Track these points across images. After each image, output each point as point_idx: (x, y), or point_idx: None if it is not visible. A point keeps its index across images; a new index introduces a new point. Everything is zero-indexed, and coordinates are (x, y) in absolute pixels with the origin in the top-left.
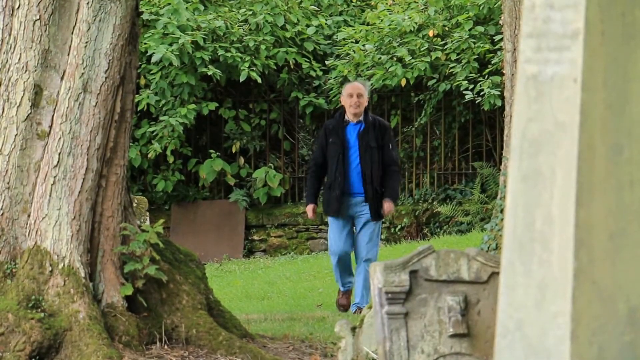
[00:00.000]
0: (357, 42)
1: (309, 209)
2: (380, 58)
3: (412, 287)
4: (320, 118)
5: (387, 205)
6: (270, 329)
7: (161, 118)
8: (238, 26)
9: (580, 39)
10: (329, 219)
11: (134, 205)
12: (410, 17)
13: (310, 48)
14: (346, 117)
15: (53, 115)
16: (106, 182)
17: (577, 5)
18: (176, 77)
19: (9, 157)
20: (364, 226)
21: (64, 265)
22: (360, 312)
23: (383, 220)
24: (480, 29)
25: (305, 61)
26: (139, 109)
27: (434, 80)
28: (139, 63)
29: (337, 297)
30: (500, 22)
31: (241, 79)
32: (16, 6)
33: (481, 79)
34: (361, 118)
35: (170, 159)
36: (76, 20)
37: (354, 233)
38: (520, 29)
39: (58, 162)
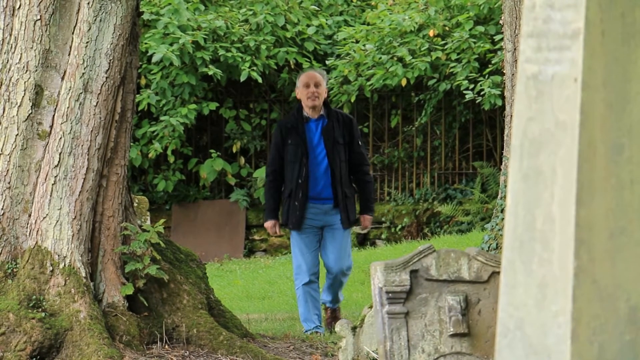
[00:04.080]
0: (357, 42)
1: (269, 225)
2: (380, 58)
3: (412, 287)
4: None
5: (367, 222)
6: (270, 329)
7: (162, 118)
8: (239, 26)
9: (580, 39)
10: (292, 233)
11: (135, 205)
12: (410, 17)
13: (310, 48)
14: (305, 112)
15: (54, 115)
16: (107, 182)
17: (577, 5)
18: (177, 77)
19: (9, 157)
20: (333, 237)
21: (64, 265)
22: (328, 312)
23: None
24: (481, 28)
25: (306, 61)
26: (139, 108)
27: (434, 80)
28: (140, 63)
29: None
30: (501, 21)
31: (242, 79)
32: (17, 6)
33: (481, 78)
34: (322, 112)
35: (171, 159)
36: (77, 20)
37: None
38: (521, 28)
39: (59, 162)
